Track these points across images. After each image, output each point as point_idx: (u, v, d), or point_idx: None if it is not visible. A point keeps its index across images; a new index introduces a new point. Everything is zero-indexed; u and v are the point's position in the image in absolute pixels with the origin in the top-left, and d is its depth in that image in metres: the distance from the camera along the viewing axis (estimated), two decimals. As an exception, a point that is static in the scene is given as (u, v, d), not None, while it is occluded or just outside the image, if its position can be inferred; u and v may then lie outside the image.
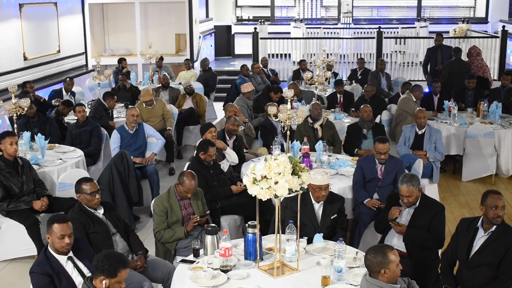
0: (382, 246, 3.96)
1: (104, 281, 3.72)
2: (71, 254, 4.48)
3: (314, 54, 14.89)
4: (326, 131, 8.18)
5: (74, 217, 5.00)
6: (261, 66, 13.67)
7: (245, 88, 10.23)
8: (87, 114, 8.78)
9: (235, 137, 7.82)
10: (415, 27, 18.60)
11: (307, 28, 18.32)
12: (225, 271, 4.46)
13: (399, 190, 5.29)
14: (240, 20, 21.21)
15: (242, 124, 8.81)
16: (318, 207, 5.44)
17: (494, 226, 4.66)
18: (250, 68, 12.87)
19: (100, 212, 5.24)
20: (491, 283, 4.60)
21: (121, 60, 13.49)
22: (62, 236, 4.34)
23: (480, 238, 4.73)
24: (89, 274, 4.36)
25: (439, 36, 13.12)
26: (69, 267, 4.44)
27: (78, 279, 4.43)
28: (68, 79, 10.99)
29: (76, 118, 8.59)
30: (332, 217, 5.42)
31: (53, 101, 10.19)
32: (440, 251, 5.43)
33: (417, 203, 5.29)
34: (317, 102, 8.74)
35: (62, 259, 4.43)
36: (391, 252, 3.83)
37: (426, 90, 12.19)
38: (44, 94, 10.90)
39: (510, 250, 4.56)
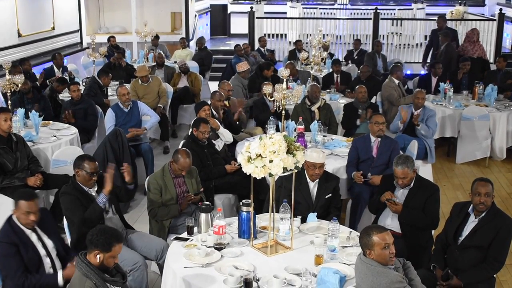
0: (371, 228, 3.90)
1: (98, 255, 3.73)
2: (35, 226, 4.52)
3: (310, 34, 14.81)
4: (323, 114, 8.15)
5: (69, 192, 5.00)
6: (258, 45, 13.60)
7: (240, 68, 10.19)
8: (82, 92, 8.73)
9: (223, 111, 7.77)
10: (412, 9, 18.52)
11: (303, 8, 18.24)
12: (219, 249, 4.47)
13: (394, 171, 5.28)
14: (236, -1, 21.08)
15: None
16: (313, 186, 5.45)
17: (485, 212, 4.67)
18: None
19: (94, 190, 5.23)
20: (479, 264, 4.64)
21: (110, 38, 13.43)
22: (28, 213, 4.39)
23: (471, 222, 4.75)
24: (53, 248, 4.47)
25: (440, 18, 12.94)
26: (33, 239, 4.46)
27: (42, 252, 4.46)
28: (57, 54, 10.91)
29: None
30: (326, 197, 5.43)
31: (47, 81, 10.11)
32: (433, 232, 5.46)
33: (412, 184, 5.30)
34: (316, 84, 8.66)
35: (26, 230, 4.46)
36: (378, 234, 3.75)
37: (423, 72, 12.18)
38: (37, 71, 10.82)
39: (500, 234, 4.59)
